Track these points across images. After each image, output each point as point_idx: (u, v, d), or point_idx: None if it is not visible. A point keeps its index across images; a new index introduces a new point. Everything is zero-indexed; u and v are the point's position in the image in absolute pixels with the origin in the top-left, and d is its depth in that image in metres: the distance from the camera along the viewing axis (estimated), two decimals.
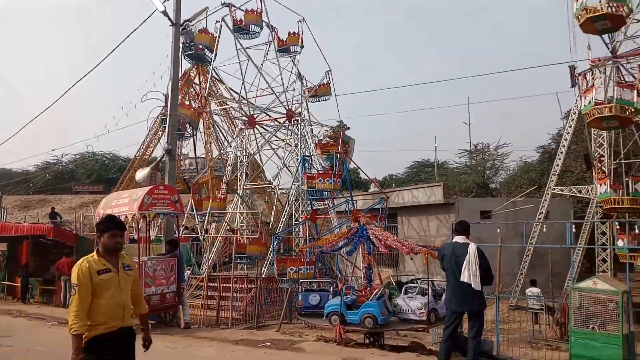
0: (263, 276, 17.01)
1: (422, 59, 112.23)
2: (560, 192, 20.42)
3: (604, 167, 16.83)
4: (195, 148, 32.21)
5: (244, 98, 23.28)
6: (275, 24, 24.60)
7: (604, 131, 17.31)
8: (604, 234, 18.99)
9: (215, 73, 24.52)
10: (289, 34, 24.28)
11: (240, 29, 23.23)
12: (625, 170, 17.76)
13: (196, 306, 14.85)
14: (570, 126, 19.12)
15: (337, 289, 10.69)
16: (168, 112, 13.30)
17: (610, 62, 16.17)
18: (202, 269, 21.02)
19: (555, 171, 19.73)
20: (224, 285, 15.13)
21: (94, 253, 4.17)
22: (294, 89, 23.83)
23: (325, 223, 22.49)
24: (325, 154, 23.53)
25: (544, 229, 18.68)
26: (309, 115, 24.05)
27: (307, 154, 21.60)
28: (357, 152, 25.59)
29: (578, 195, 20.57)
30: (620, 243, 16.02)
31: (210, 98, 24.29)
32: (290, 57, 24.49)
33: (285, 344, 9.22)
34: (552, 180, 19.68)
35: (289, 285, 15.55)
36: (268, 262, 20.01)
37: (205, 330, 11.78)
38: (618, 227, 16.92)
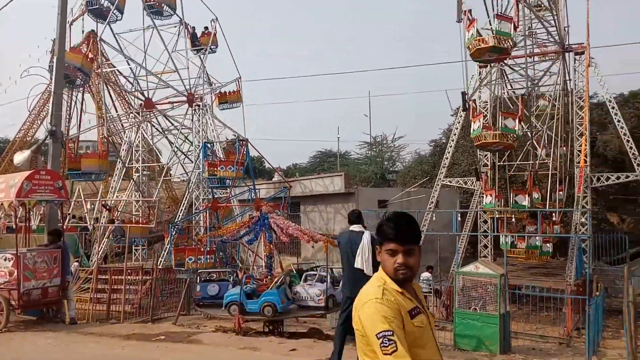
0: (160, 267, 16.34)
1: (326, 51, 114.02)
2: (448, 184, 21.96)
3: (490, 180, 18.39)
4: (83, 104, 28.20)
5: (141, 70, 21.73)
6: (189, 17, 23.68)
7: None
8: (485, 222, 20.78)
9: (116, 40, 22.70)
10: (203, 33, 23.59)
11: (151, 7, 21.88)
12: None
13: (85, 300, 13.87)
14: (459, 122, 20.57)
15: (237, 278, 10.58)
16: (52, 87, 12.09)
17: (496, 65, 17.63)
18: (91, 261, 19.67)
19: (445, 164, 21.16)
20: (116, 277, 14.29)
21: (383, 282, 2.42)
22: (199, 77, 22.98)
23: (228, 211, 22.12)
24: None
25: (434, 218, 19.97)
26: (212, 99, 23.36)
27: (208, 140, 20.99)
28: (262, 140, 25.41)
29: (464, 186, 22.30)
30: (502, 239, 17.56)
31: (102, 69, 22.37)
32: (200, 54, 23.65)
33: (181, 336, 8.94)
34: (442, 172, 21.08)
35: (188, 276, 15.09)
36: (165, 252, 19.24)
37: (94, 325, 11.06)
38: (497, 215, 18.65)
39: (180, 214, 20.91)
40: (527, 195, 16.42)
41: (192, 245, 17.12)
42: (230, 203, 20.32)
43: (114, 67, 24.31)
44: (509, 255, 18.19)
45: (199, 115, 21.84)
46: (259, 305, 9.13)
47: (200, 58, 23.46)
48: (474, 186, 21.18)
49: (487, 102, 19.75)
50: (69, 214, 19.99)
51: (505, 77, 19.45)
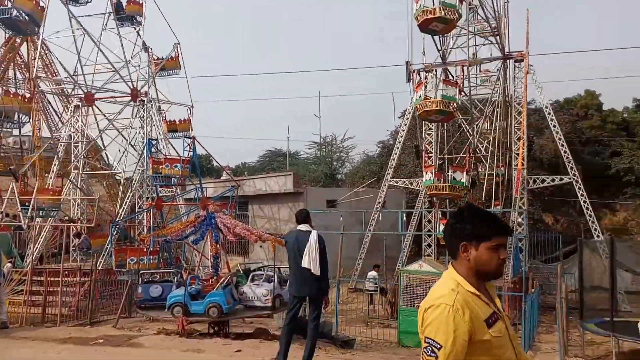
0: (99, 268, 15.68)
1: (278, 48, 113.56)
2: (395, 184, 22.42)
3: (431, 157, 18.93)
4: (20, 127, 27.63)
5: (73, 76, 20.85)
6: None
7: (433, 128, 19.49)
8: (429, 221, 21.38)
9: (45, 46, 21.63)
10: (129, 2, 22.23)
11: None
12: (447, 164, 20.25)
13: (18, 303, 13.09)
14: (405, 124, 21.09)
15: (181, 279, 10.32)
16: None
17: (441, 67, 18.22)
18: (26, 262, 18.59)
19: (392, 165, 21.61)
20: (52, 279, 13.57)
21: (457, 284, 2.28)
22: (139, 65, 22.04)
23: (173, 211, 21.56)
24: (172, 131, 22.55)
25: (380, 217, 20.34)
26: (157, 93, 22.59)
27: (153, 136, 20.36)
28: (210, 138, 24.84)
29: (410, 187, 22.86)
30: (442, 228, 18.19)
31: (39, 80, 21.36)
32: (134, 27, 22.53)
33: (121, 339, 8.61)
34: (389, 173, 21.52)
35: (129, 277, 14.57)
36: (106, 253, 18.51)
37: (28, 329, 10.46)
38: (440, 215, 19.23)
39: (123, 213, 20.16)
40: (464, 173, 17.04)
41: (134, 245, 16.56)
42: (175, 202, 19.81)
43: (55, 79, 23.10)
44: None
45: (144, 110, 21.14)
46: (203, 306, 8.94)
47: (138, 33, 22.32)
48: (419, 187, 21.74)
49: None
50: (2, 212, 18.84)
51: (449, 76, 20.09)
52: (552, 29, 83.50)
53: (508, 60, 20.09)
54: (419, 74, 16.10)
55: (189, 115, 23.31)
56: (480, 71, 22.04)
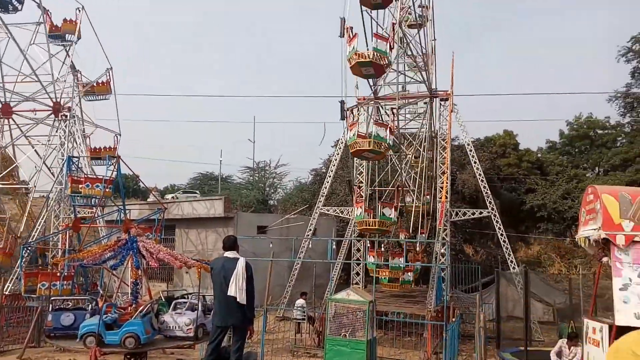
0: (6, 293, 14.40)
1: (213, 69, 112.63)
2: (326, 212, 22.62)
3: (362, 192, 19.39)
4: None
5: None
6: (50, 6, 21.51)
7: (364, 162, 20.04)
8: (358, 250, 21.68)
9: None
10: (65, 20, 21.41)
11: None
12: (377, 196, 20.81)
13: None
14: (338, 154, 21.47)
15: (96, 307, 9.67)
16: None
17: (372, 102, 18.88)
18: None
19: (324, 193, 21.83)
20: None
21: None
22: (65, 81, 21.03)
23: (92, 233, 20.35)
24: (96, 159, 21.42)
25: (311, 245, 20.38)
26: (82, 113, 21.53)
27: (75, 154, 19.26)
28: (137, 158, 23.88)
29: (340, 215, 23.13)
30: (370, 259, 18.52)
31: None
32: (64, 46, 21.59)
33: None
34: (321, 201, 21.69)
35: (39, 304, 13.48)
36: (14, 277, 17.04)
37: None
38: (369, 245, 19.61)
39: (35, 234, 18.75)
40: (393, 209, 17.63)
41: (47, 269, 15.39)
42: (95, 223, 18.73)
43: None
44: (376, 282, 19.21)
45: (65, 125, 20.01)
46: (119, 336, 8.40)
47: (66, 52, 21.45)
48: (349, 215, 22.07)
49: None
50: None
51: (380, 111, 20.86)
52: (477, 68, 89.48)
53: (434, 98, 21.20)
54: (352, 112, 16.71)
55: (116, 144, 22.33)
56: (409, 104, 23.03)
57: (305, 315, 15.37)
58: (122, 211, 16.55)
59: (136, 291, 9.37)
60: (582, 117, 38.30)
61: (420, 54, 20.40)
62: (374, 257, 18.79)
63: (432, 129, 22.08)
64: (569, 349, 9.90)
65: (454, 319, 14.63)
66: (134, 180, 39.38)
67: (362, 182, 20.06)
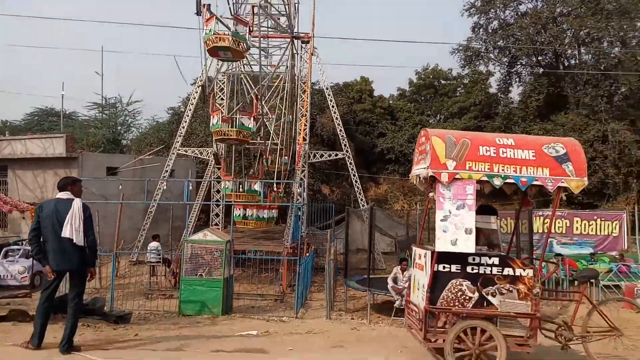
0: None
1: None
2: (184, 153, 21.84)
3: (217, 102, 18.86)
4: None
5: None
6: None
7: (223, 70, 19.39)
8: (218, 191, 21.51)
9: None
10: None
11: None
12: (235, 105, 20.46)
13: None
14: (197, 92, 20.52)
15: None
16: None
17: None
18: None
19: (181, 133, 20.93)
20: None
21: None
22: None
23: None
24: None
25: (165, 186, 19.68)
26: None
27: None
28: None
29: (200, 156, 22.54)
30: (233, 212, 18.43)
31: None
32: None
33: None
34: (178, 141, 20.81)
35: None
36: None
37: None
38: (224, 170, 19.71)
39: None
40: (252, 118, 17.51)
41: None
42: None
43: None
44: (239, 226, 19.42)
45: None
46: None
47: None
48: (209, 157, 21.61)
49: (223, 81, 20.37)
50: None
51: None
52: (341, 13, 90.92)
53: (295, 40, 21.18)
54: (208, 8, 15.48)
55: None
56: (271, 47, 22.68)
57: (160, 258, 15.01)
58: None
59: None
60: (429, 68, 41.60)
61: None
62: (230, 180, 18.85)
63: (294, 72, 22.20)
64: (402, 274, 11.22)
65: (307, 254, 15.53)
66: None
67: (222, 95, 19.42)
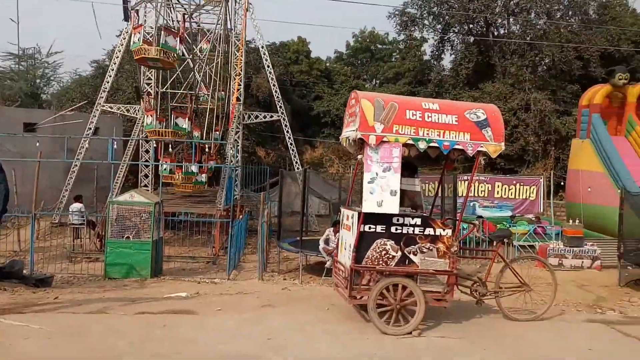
0: None
1: None
2: (110, 109, 20.67)
3: (151, 100, 18.07)
4: None
5: None
6: None
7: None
8: (147, 151, 20.68)
9: None
10: None
11: None
12: (169, 99, 19.71)
13: None
14: (122, 45, 19.28)
15: None
16: None
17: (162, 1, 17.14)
18: None
19: (106, 88, 19.70)
20: None
21: None
22: None
23: None
24: None
25: (88, 144, 18.67)
26: None
27: None
28: None
29: (127, 114, 21.42)
30: (161, 167, 17.78)
31: None
32: None
33: None
34: (102, 97, 19.61)
35: None
36: None
37: None
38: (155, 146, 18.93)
39: None
40: (187, 119, 17.11)
41: None
42: None
43: None
44: (168, 185, 18.81)
45: None
46: None
47: None
48: (136, 114, 20.61)
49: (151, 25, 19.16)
50: None
51: (171, 14, 19.19)
52: None
53: None
54: (137, 13, 15.07)
55: None
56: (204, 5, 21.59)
57: (84, 220, 14.35)
58: None
59: None
60: (366, 31, 41.57)
61: None
62: (166, 162, 18.10)
63: (227, 28, 21.37)
64: (334, 235, 11.47)
65: (241, 216, 15.45)
66: None
67: (151, 93, 18.56)
